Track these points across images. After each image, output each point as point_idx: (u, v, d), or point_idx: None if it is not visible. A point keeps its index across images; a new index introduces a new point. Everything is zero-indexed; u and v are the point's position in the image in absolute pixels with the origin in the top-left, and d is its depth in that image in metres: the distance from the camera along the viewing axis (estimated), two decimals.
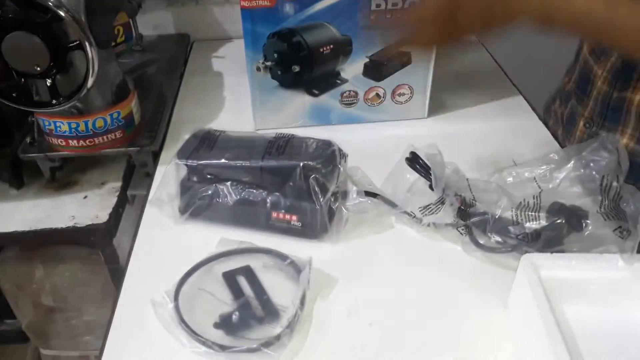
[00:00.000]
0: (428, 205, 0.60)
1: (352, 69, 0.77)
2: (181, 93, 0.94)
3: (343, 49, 0.74)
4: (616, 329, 0.49)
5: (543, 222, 0.55)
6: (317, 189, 0.59)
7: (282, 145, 0.62)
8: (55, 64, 0.63)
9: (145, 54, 1.00)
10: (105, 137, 0.73)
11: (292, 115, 0.81)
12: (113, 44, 0.92)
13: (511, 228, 0.56)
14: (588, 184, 0.58)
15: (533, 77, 0.91)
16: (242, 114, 0.84)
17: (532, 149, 0.76)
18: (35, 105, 0.66)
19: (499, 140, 0.79)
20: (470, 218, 0.59)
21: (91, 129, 0.71)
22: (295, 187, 0.60)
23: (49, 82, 0.64)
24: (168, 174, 0.64)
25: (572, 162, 0.58)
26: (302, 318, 0.52)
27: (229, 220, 0.63)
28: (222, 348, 0.48)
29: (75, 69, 0.66)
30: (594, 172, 0.57)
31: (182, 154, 0.62)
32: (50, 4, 0.59)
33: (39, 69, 0.62)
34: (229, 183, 0.62)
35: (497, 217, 0.57)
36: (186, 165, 0.62)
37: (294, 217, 0.61)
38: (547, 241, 0.55)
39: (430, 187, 0.61)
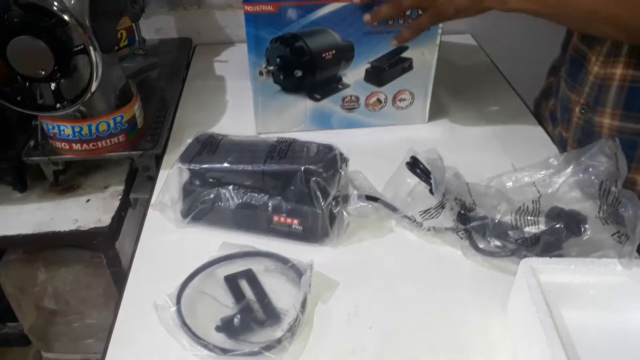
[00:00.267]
0: (428, 209, 0.60)
1: (353, 74, 0.77)
2: (183, 97, 0.94)
3: (345, 54, 0.74)
4: (614, 334, 0.49)
5: (542, 227, 0.55)
6: (318, 193, 0.59)
7: (283, 149, 0.63)
8: (59, 68, 0.63)
9: (148, 58, 1.00)
10: (108, 140, 0.73)
11: (293, 120, 0.81)
12: (116, 47, 0.93)
13: (510, 232, 0.56)
14: (587, 188, 0.58)
15: (531, 80, 0.92)
16: (244, 118, 0.84)
17: (532, 152, 0.76)
18: (39, 109, 0.67)
19: (499, 144, 0.80)
20: (470, 222, 0.60)
21: (94, 133, 0.72)
22: (297, 191, 0.60)
23: (53, 86, 0.65)
24: (170, 178, 0.64)
25: (571, 167, 0.58)
26: (303, 322, 0.52)
27: (230, 224, 0.63)
28: (224, 351, 0.49)
29: (79, 73, 0.67)
30: (592, 177, 0.57)
31: (185, 158, 0.63)
32: (54, 8, 0.59)
33: (43, 72, 0.63)
34: (230, 187, 0.62)
35: (496, 221, 0.57)
36: (188, 169, 0.62)
37: (295, 221, 0.61)
38: (546, 245, 0.55)
39: (431, 191, 0.62)
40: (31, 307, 0.86)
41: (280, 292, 0.55)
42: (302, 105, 0.80)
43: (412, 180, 0.65)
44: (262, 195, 0.62)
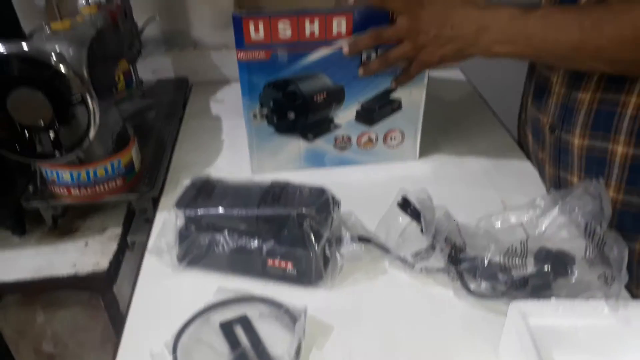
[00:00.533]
0: (419, 251, 0.61)
1: (345, 115, 0.79)
2: (180, 137, 0.96)
3: (336, 97, 0.76)
4: None
5: (530, 269, 0.56)
6: (311, 236, 0.61)
7: (277, 193, 0.64)
8: (58, 117, 0.65)
9: (145, 99, 1.03)
10: (106, 185, 0.75)
11: (287, 159, 0.83)
12: (114, 90, 0.95)
13: (500, 275, 0.57)
14: (574, 229, 0.59)
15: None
16: (239, 158, 0.86)
17: (521, 187, 0.79)
18: (37, 157, 0.69)
19: (489, 180, 0.81)
20: (460, 263, 0.61)
21: (92, 178, 0.73)
22: (290, 234, 0.61)
23: (51, 134, 0.66)
24: (167, 223, 0.65)
25: (557, 207, 0.60)
26: None
27: (226, 268, 0.64)
28: None
29: (78, 121, 0.68)
30: (579, 217, 0.59)
31: (181, 203, 0.64)
32: (53, 61, 0.61)
33: (42, 122, 0.65)
34: (225, 231, 0.63)
35: (485, 263, 0.58)
36: (184, 215, 0.64)
37: (289, 264, 0.62)
38: (535, 287, 0.56)
39: (422, 230, 0.63)
40: (30, 351, 0.86)
41: (275, 338, 0.56)
42: (296, 145, 0.82)
43: (404, 219, 0.66)
44: (257, 239, 0.63)
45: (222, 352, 0.54)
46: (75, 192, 0.74)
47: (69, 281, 0.72)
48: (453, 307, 0.60)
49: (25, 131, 0.66)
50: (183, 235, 0.65)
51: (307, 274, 0.62)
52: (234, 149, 0.90)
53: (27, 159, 0.68)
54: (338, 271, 0.64)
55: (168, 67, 1.14)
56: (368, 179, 0.83)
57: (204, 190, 0.66)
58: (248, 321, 0.57)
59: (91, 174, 0.73)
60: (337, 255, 0.64)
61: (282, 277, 0.63)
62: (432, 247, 0.61)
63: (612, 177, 0.65)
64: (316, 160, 0.84)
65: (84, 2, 0.80)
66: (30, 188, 0.76)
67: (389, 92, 0.77)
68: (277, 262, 0.62)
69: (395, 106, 0.79)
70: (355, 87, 0.76)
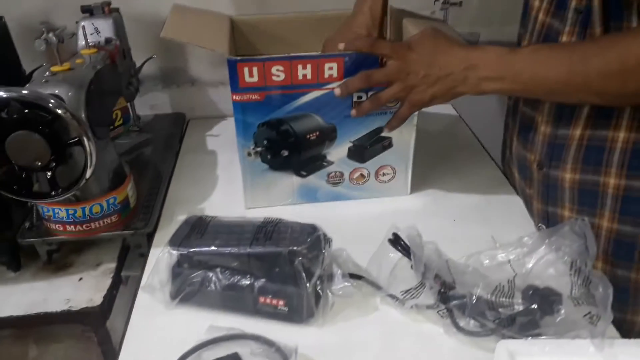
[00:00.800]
0: (409, 289, 0.62)
1: (337, 152, 0.81)
2: (176, 171, 0.98)
3: (328, 135, 0.78)
4: None
5: (517, 308, 0.57)
6: (302, 274, 0.62)
7: (269, 230, 0.65)
8: (55, 158, 0.66)
9: (142, 134, 1.05)
10: (101, 221, 0.76)
11: (281, 195, 0.85)
12: (111, 127, 0.97)
13: (488, 312, 0.58)
14: (561, 266, 0.60)
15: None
16: (234, 192, 0.87)
17: (511, 223, 0.80)
18: (34, 197, 0.70)
19: (479, 215, 0.83)
20: (450, 301, 0.62)
21: (88, 215, 0.74)
22: (282, 272, 0.62)
23: (48, 174, 0.68)
24: (160, 261, 0.66)
25: (544, 246, 0.61)
26: None
27: (218, 306, 0.65)
28: None
29: (74, 160, 0.70)
30: (565, 256, 0.60)
31: (174, 241, 0.65)
32: (51, 105, 0.63)
33: (39, 163, 0.66)
34: (218, 269, 0.64)
35: (474, 301, 0.59)
36: (177, 252, 0.65)
37: (281, 302, 0.63)
38: (523, 325, 0.57)
39: (412, 267, 0.64)
40: None
41: None
42: (289, 181, 0.83)
43: (396, 255, 0.67)
44: (248, 277, 0.64)
45: None
46: (70, 228, 0.75)
47: (62, 316, 0.73)
48: (443, 344, 0.61)
49: (23, 171, 0.68)
50: (176, 273, 0.66)
51: (299, 312, 0.63)
52: (229, 184, 0.92)
53: (24, 198, 0.69)
54: (329, 308, 0.64)
55: (165, 103, 1.16)
56: (360, 214, 0.84)
57: (197, 228, 0.67)
58: (239, 359, 0.58)
59: (87, 211, 0.74)
60: (329, 292, 0.65)
61: (273, 314, 0.64)
62: (422, 284, 0.62)
63: (606, 208, 0.67)
64: (309, 196, 0.85)
65: (83, 44, 0.82)
66: (26, 224, 0.77)
67: (380, 130, 0.79)
68: (268, 299, 0.63)
69: (386, 144, 0.81)
70: (347, 126, 0.78)
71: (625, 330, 0.63)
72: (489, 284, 0.60)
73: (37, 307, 0.73)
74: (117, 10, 0.93)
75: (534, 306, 0.56)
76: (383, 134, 0.79)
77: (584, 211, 0.68)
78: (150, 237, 0.80)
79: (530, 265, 0.61)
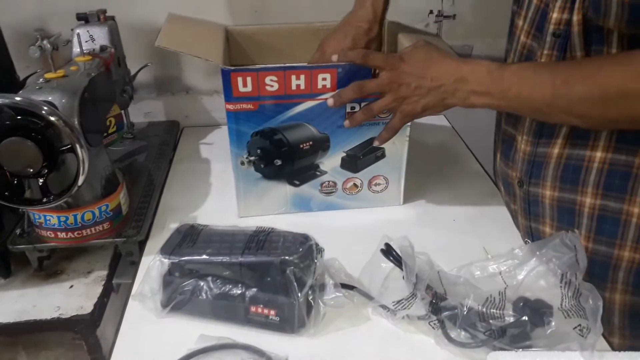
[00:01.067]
0: (401, 300, 0.62)
1: (330, 162, 0.81)
2: (169, 179, 0.98)
3: (321, 145, 0.79)
4: None
5: (508, 319, 0.57)
6: (294, 283, 0.61)
7: (261, 240, 0.65)
8: (47, 165, 0.66)
9: (136, 142, 1.04)
10: (93, 228, 0.75)
11: (274, 204, 0.85)
12: (105, 134, 0.97)
13: (479, 324, 0.58)
14: (551, 278, 0.61)
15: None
16: (227, 201, 0.87)
17: (502, 234, 0.80)
18: (25, 203, 0.70)
19: (471, 226, 0.83)
20: (441, 312, 0.62)
21: (80, 222, 0.74)
22: (273, 282, 0.62)
23: (40, 181, 0.67)
24: (151, 269, 0.66)
25: (535, 258, 0.61)
26: None
27: (209, 315, 0.65)
28: None
29: (67, 167, 0.70)
30: (555, 268, 0.60)
31: (165, 250, 0.65)
32: (44, 112, 0.63)
33: (31, 170, 0.66)
34: (209, 278, 0.64)
35: (465, 312, 0.59)
36: (169, 261, 0.64)
37: (272, 312, 0.63)
38: (513, 337, 0.57)
39: (404, 277, 0.64)
40: None
41: None
42: (283, 190, 0.83)
43: (388, 265, 0.68)
44: (240, 286, 0.64)
45: None
46: (61, 235, 0.74)
47: (52, 324, 0.72)
48: (434, 355, 0.61)
49: (15, 178, 0.68)
50: (167, 281, 0.65)
51: (290, 322, 0.63)
52: (222, 192, 0.92)
53: (15, 205, 0.69)
54: (321, 318, 0.64)
55: (160, 111, 1.16)
56: (353, 224, 0.84)
57: (189, 237, 0.67)
58: None
59: (78, 218, 0.73)
60: (320, 302, 0.64)
61: (264, 324, 0.63)
62: (414, 295, 0.62)
63: (582, 227, 0.67)
64: (302, 205, 0.85)
65: (78, 51, 0.82)
66: (17, 231, 0.77)
67: (372, 141, 0.79)
68: (259, 309, 0.63)
69: (379, 154, 0.81)
70: (340, 136, 0.78)
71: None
72: (480, 295, 0.60)
73: (27, 314, 0.73)
74: (112, 18, 0.93)
75: (525, 318, 0.57)
76: (375, 146, 0.80)
77: (563, 228, 0.69)
78: (142, 244, 0.80)
79: (521, 277, 0.61)
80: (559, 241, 0.61)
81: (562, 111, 0.59)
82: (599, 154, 0.62)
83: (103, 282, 0.78)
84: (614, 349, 0.62)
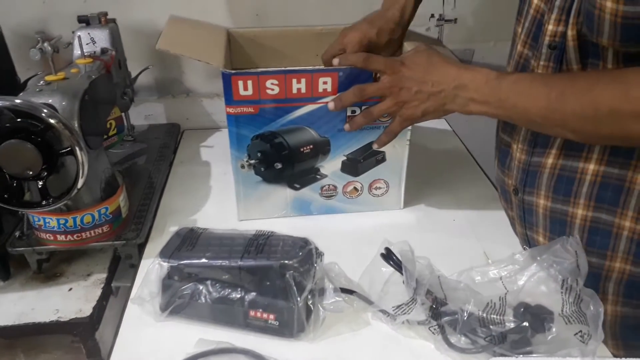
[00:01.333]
0: (401, 305, 0.62)
1: (330, 166, 0.81)
2: (169, 181, 0.97)
3: (322, 148, 0.79)
4: None
5: (508, 325, 0.57)
6: (293, 287, 0.61)
7: (261, 244, 0.65)
8: (46, 167, 0.66)
9: (136, 144, 1.04)
10: (92, 231, 0.75)
11: (274, 207, 0.84)
12: (105, 137, 0.97)
13: (479, 329, 0.58)
14: (552, 283, 0.60)
15: None
16: (227, 204, 0.87)
17: (503, 239, 0.80)
18: (25, 206, 0.69)
19: (471, 231, 0.83)
20: (441, 317, 0.61)
21: (79, 225, 0.74)
22: (273, 286, 0.62)
23: (40, 183, 0.67)
24: (150, 273, 0.66)
25: (535, 263, 0.61)
26: None
27: (208, 319, 0.65)
28: None
29: (66, 170, 0.69)
30: (556, 274, 0.60)
31: (164, 253, 0.65)
32: (43, 115, 0.63)
33: (31, 172, 0.66)
34: (208, 282, 0.64)
35: (465, 318, 0.59)
36: (167, 264, 0.64)
37: (271, 316, 0.63)
38: (514, 343, 0.57)
39: (404, 282, 0.64)
40: None
41: None
42: (283, 193, 0.83)
43: (388, 269, 0.67)
44: (239, 290, 0.63)
45: None
46: (61, 238, 0.74)
47: (51, 327, 0.72)
48: None
49: (14, 180, 0.67)
50: (166, 285, 0.65)
51: (289, 326, 0.62)
52: (222, 196, 0.91)
53: (14, 207, 0.69)
54: (320, 323, 0.64)
55: (160, 113, 1.16)
56: (353, 228, 0.84)
57: (189, 240, 0.67)
58: None
59: (78, 221, 0.73)
60: (320, 307, 0.64)
61: (263, 328, 0.63)
62: (414, 300, 0.62)
63: None
64: (302, 208, 0.85)
65: (79, 54, 0.82)
66: (17, 233, 0.77)
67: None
68: (259, 313, 0.63)
69: (380, 158, 0.81)
70: (341, 140, 0.78)
71: None
72: (480, 300, 0.60)
73: (25, 317, 0.73)
74: (113, 20, 0.93)
75: (526, 324, 0.56)
76: (374, 149, 0.79)
77: (555, 238, 0.68)
78: (141, 248, 0.79)
79: (522, 283, 0.61)
80: (559, 247, 0.61)
81: (556, 124, 0.59)
82: (592, 167, 0.62)
83: (102, 285, 0.77)
84: None
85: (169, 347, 0.62)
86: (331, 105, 0.73)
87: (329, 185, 0.83)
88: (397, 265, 0.66)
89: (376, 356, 0.62)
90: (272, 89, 0.72)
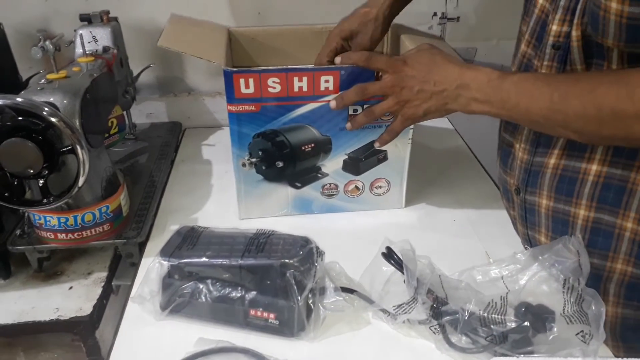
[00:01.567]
0: (401, 304, 0.62)
1: (332, 164, 0.81)
2: (171, 180, 0.97)
3: (323, 147, 0.78)
4: None
5: (509, 325, 0.56)
6: (294, 287, 0.61)
7: (261, 242, 0.65)
8: (47, 166, 0.66)
9: (138, 142, 1.04)
10: (93, 230, 0.75)
11: (275, 206, 0.84)
12: (106, 135, 0.97)
13: (480, 329, 0.58)
14: (554, 283, 0.60)
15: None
16: (228, 203, 0.87)
17: (505, 238, 0.80)
18: (26, 204, 0.69)
19: (473, 230, 0.83)
20: (442, 317, 0.61)
21: (80, 223, 0.74)
22: (273, 285, 0.62)
23: (40, 182, 0.67)
24: (151, 271, 0.66)
25: (537, 263, 0.60)
26: None
27: (208, 317, 0.64)
28: None
29: (67, 168, 0.69)
30: (559, 273, 0.60)
31: (165, 252, 0.65)
32: (45, 113, 0.63)
33: (32, 171, 0.66)
34: (209, 281, 0.64)
35: (466, 317, 0.58)
36: (168, 263, 0.64)
37: (272, 315, 0.62)
38: (515, 343, 0.56)
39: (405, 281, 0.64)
40: None
41: None
42: (284, 192, 0.83)
43: (389, 268, 0.67)
44: (239, 289, 0.63)
45: None
46: (61, 236, 0.74)
47: (51, 325, 0.72)
48: None
49: (15, 178, 0.67)
50: (166, 284, 0.65)
51: (290, 325, 0.62)
52: (223, 194, 0.91)
53: (15, 206, 0.69)
54: (321, 322, 0.64)
55: (162, 112, 1.16)
56: (354, 227, 0.84)
57: (189, 239, 0.67)
58: None
59: (79, 220, 0.73)
60: (320, 306, 0.64)
61: (264, 327, 0.63)
62: (415, 299, 0.62)
63: None
64: (304, 207, 0.85)
65: (81, 52, 0.82)
66: (17, 232, 0.77)
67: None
68: (259, 312, 0.63)
69: (382, 157, 0.81)
70: (342, 139, 0.78)
71: None
72: (481, 300, 0.60)
73: (26, 316, 0.73)
74: (115, 19, 0.93)
75: (527, 323, 0.56)
76: (376, 148, 0.79)
77: (557, 238, 0.67)
78: (142, 246, 0.79)
79: (523, 282, 0.60)
80: (561, 246, 0.61)
81: (558, 125, 0.59)
82: (594, 167, 0.62)
83: (103, 284, 0.77)
84: None
85: (169, 345, 0.62)
86: (333, 104, 0.73)
87: (330, 184, 0.83)
88: (398, 264, 0.65)
89: (377, 355, 0.62)
90: (274, 87, 0.72)
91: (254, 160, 0.79)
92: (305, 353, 0.61)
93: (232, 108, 0.73)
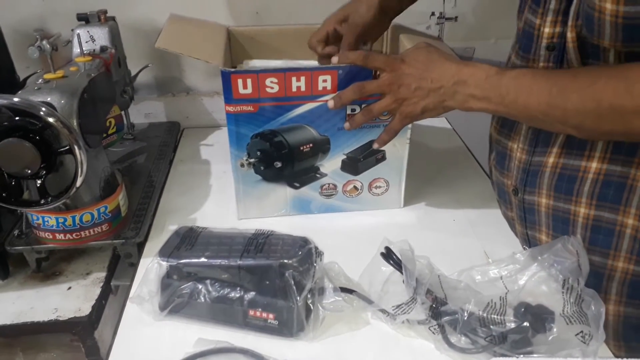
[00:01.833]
0: (401, 304, 0.62)
1: (330, 164, 0.81)
2: (169, 180, 0.97)
3: (322, 147, 0.78)
4: None
5: (509, 325, 0.56)
6: (293, 287, 0.61)
7: (260, 243, 0.65)
8: (45, 166, 0.66)
9: (136, 142, 1.04)
10: (91, 230, 0.75)
11: (274, 206, 0.84)
12: (104, 135, 0.97)
13: (479, 329, 0.58)
14: (553, 283, 0.60)
15: None
16: (226, 203, 0.87)
17: (503, 238, 0.80)
18: (23, 205, 0.69)
19: (472, 230, 0.83)
20: (442, 317, 0.61)
21: (78, 223, 0.73)
22: (272, 285, 0.62)
23: (38, 182, 0.67)
24: (149, 272, 0.65)
25: (536, 263, 0.60)
26: None
27: (207, 318, 0.64)
28: None
29: (65, 169, 0.69)
30: (558, 273, 0.60)
31: (164, 252, 0.65)
32: (42, 113, 0.63)
33: (29, 171, 0.65)
34: (207, 281, 0.64)
35: (465, 318, 0.58)
36: (167, 264, 0.64)
37: (271, 316, 0.62)
38: (515, 343, 0.56)
39: (404, 281, 0.64)
40: None
41: None
42: (283, 192, 0.83)
43: (388, 268, 0.67)
44: (238, 289, 0.63)
45: None
46: (60, 236, 0.74)
47: (50, 326, 0.72)
48: None
49: (13, 179, 0.67)
50: (165, 284, 0.65)
51: (289, 326, 0.62)
52: (222, 194, 0.91)
53: (13, 206, 0.69)
54: (320, 323, 0.64)
55: (160, 111, 1.16)
56: (353, 227, 0.84)
57: (188, 239, 0.67)
58: None
59: (77, 220, 0.73)
60: (319, 306, 0.64)
61: (263, 328, 0.63)
62: (414, 299, 0.62)
63: None
64: (302, 207, 0.85)
65: (78, 52, 0.82)
66: (15, 232, 0.77)
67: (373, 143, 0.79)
68: (258, 312, 0.63)
69: (380, 157, 0.81)
70: (341, 138, 0.78)
71: None
72: (481, 300, 0.60)
73: (24, 316, 0.72)
74: (113, 18, 0.93)
75: (526, 324, 0.56)
76: (375, 148, 0.79)
77: (558, 237, 0.67)
78: (140, 246, 0.79)
79: (522, 282, 0.60)
80: (560, 246, 0.61)
81: (557, 120, 0.59)
82: (594, 165, 0.62)
83: (101, 284, 0.77)
84: None
85: (168, 346, 0.62)
86: (331, 104, 0.73)
87: (328, 184, 0.83)
88: (397, 264, 0.65)
89: (376, 356, 0.62)
90: (272, 88, 0.72)
91: (252, 160, 0.79)
92: (305, 353, 0.61)
93: (230, 109, 0.73)
